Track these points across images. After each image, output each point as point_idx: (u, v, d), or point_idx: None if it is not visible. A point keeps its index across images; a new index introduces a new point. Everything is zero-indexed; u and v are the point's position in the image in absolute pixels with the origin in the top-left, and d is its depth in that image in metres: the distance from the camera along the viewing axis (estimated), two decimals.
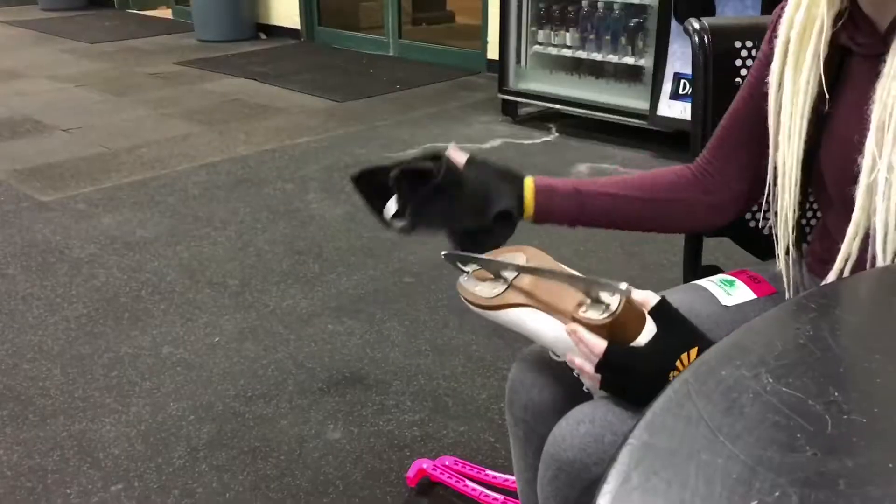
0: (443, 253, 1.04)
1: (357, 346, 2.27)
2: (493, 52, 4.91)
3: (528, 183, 1.08)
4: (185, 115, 4.67)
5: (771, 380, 0.58)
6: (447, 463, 1.73)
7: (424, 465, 1.72)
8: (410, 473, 1.71)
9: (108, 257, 2.84)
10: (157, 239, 2.98)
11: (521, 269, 0.98)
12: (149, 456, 1.83)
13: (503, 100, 4.44)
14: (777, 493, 0.47)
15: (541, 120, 4.40)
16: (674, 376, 0.85)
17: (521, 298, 0.97)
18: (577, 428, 0.92)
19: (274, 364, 2.18)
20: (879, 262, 0.89)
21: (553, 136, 4.15)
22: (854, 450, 0.51)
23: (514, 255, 1.02)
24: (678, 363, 0.86)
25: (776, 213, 1.07)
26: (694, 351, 0.87)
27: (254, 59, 6.21)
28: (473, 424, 1.92)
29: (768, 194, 1.09)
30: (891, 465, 0.49)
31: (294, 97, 5.06)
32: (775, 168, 1.06)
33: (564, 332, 0.91)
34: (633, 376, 0.88)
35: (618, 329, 0.88)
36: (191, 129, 4.37)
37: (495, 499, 1.63)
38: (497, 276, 1.01)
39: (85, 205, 3.31)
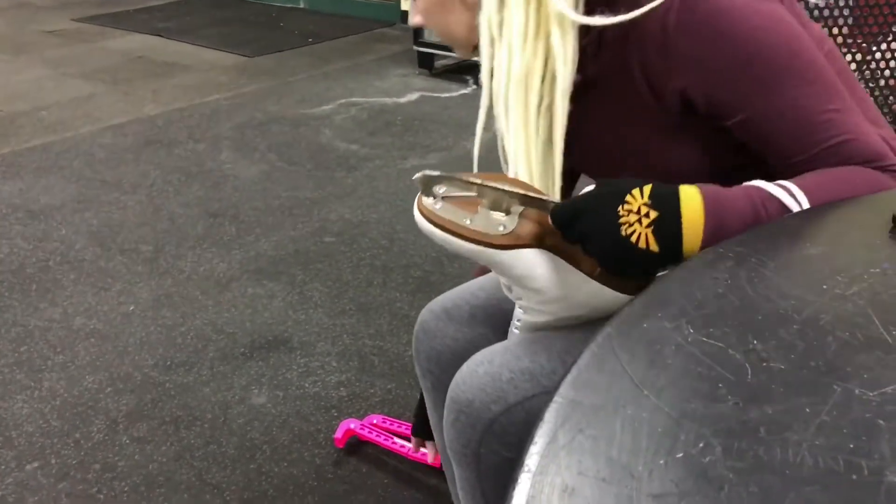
0: (418, 175, 0.88)
1: (279, 308, 2.23)
2: (407, 3, 4.83)
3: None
4: (87, 74, 4.46)
5: (692, 330, 0.59)
6: (375, 421, 1.73)
7: (352, 425, 1.71)
8: (338, 434, 1.70)
9: (10, 227, 2.70)
10: (63, 206, 2.86)
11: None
12: (66, 431, 1.77)
13: (419, 52, 4.38)
14: (701, 445, 0.48)
15: (458, 72, 4.36)
16: (626, 221, 0.76)
17: (532, 238, 0.83)
18: (476, 370, 0.94)
19: (193, 331, 2.13)
20: None
21: (471, 88, 4.12)
22: (773, 397, 0.52)
23: (498, 181, 0.84)
24: (629, 197, 0.77)
25: None
26: (647, 188, 0.77)
27: (157, 13, 5.95)
28: (401, 381, 1.92)
29: None
30: (808, 410, 0.50)
31: (202, 53, 4.88)
32: None
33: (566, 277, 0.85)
34: (585, 220, 0.79)
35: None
36: (94, 90, 4.18)
37: (424, 454, 1.64)
38: (495, 208, 0.84)
39: None
